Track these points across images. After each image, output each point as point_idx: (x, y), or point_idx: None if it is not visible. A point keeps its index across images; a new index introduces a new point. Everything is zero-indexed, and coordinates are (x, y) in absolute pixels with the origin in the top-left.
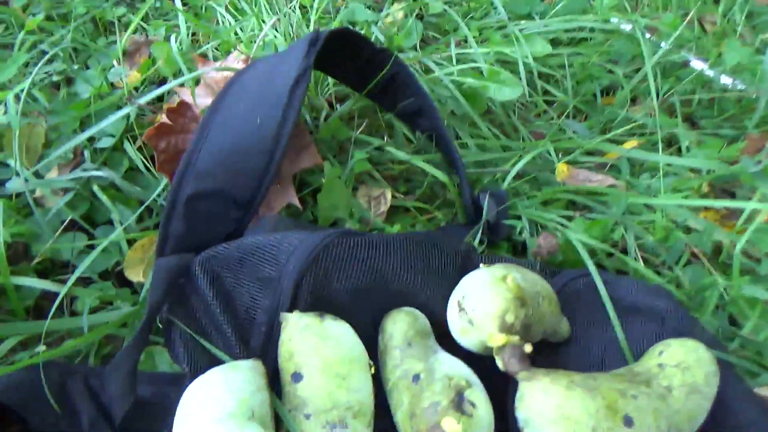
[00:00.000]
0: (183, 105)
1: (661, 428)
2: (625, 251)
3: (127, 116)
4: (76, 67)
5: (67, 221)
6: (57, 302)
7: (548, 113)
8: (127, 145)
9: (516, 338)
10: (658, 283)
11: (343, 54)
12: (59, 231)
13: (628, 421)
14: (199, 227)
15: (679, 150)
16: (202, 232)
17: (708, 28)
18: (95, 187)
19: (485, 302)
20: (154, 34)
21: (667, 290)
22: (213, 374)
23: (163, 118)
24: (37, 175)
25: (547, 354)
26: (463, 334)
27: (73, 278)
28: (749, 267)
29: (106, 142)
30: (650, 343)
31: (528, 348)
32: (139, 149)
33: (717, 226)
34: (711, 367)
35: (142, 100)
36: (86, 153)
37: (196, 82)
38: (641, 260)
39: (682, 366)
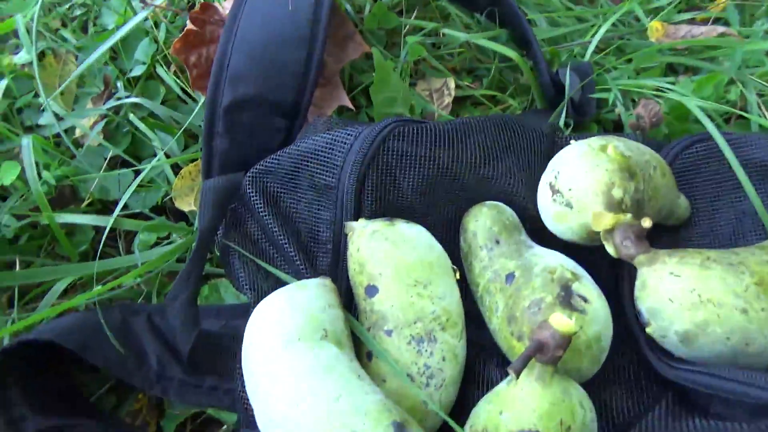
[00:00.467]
0: (207, 8)
1: None
2: (745, 112)
3: (156, 40)
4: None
5: (109, 157)
6: (104, 236)
7: None
8: (160, 70)
9: (628, 216)
10: None
11: None
12: (103, 168)
13: None
14: (244, 141)
15: None
16: (247, 146)
17: None
18: (132, 116)
19: (584, 177)
20: None
21: None
22: (277, 295)
23: (187, 24)
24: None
25: (666, 240)
26: (560, 221)
27: (118, 208)
28: None
29: (138, 70)
30: None
31: (646, 223)
32: (175, 74)
33: None
34: None
35: (158, 1)
36: (119, 84)
37: None
38: None
39: None
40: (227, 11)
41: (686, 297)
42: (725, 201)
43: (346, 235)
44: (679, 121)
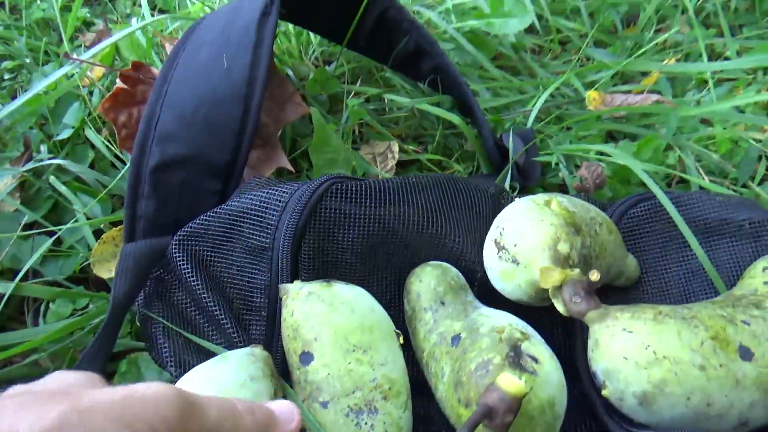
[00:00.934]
0: (139, 66)
1: None
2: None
3: (86, 105)
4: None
5: (24, 223)
6: (2, 302)
7: (566, 53)
8: (89, 132)
9: (576, 272)
10: (739, 195)
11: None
12: (13, 237)
13: (745, 353)
14: (172, 204)
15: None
16: (176, 209)
17: None
18: (51, 179)
19: (530, 232)
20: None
21: (751, 200)
22: (195, 371)
23: (118, 82)
24: None
25: (616, 301)
26: (507, 279)
27: (21, 272)
28: None
29: (66, 133)
30: (745, 264)
31: (594, 276)
32: (111, 136)
33: None
34: None
35: (85, 56)
36: (43, 147)
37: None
38: (707, 181)
39: None
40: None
41: (641, 354)
42: (673, 260)
43: (281, 299)
44: (622, 184)
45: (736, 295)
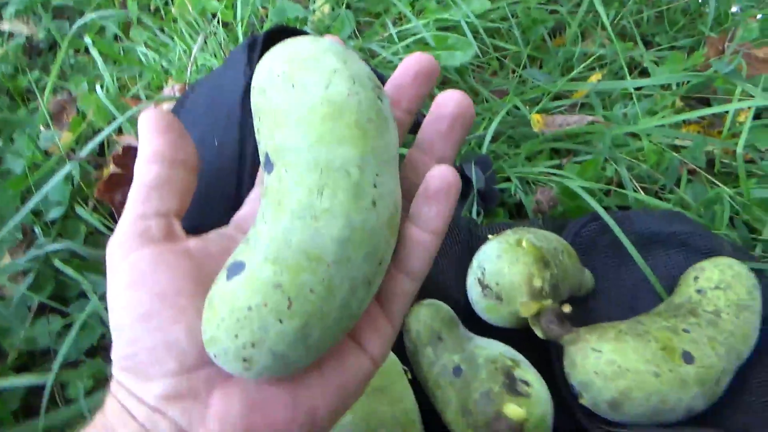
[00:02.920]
0: (129, 150)
1: (720, 354)
2: (621, 185)
3: (72, 179)
4: (0, 144)
5: (35, 307)
6: (47, 392)
7: (505, 68)
8: (79, 210)
9: (549, 302)
10: (668, 209)
11: None
12: (29, 319)
13: (687, 358)
14: None
15: (642, 72)
16: None
17: None
18: (56, 262)
19: (508, 273)
20: (76, 90)
21: (678, 212)
22: None
23: (111, 168)
24: None
25: (577, 310)
26: (492, 312)
27: (57, 364)
28: (747, 170)
29: (56, 213)
30: (679, 271)
31: (566, 308)
32: (95, 210)
33: (706, 137)
34: (750, 280)
35: (83, 153)
36: (36, 229)
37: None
38: (640, 190)
39: (723, 285)
40: None
41: (609, 369)
42: (621, 270)
43: None
44: (570, 199)
45: (676, 304)
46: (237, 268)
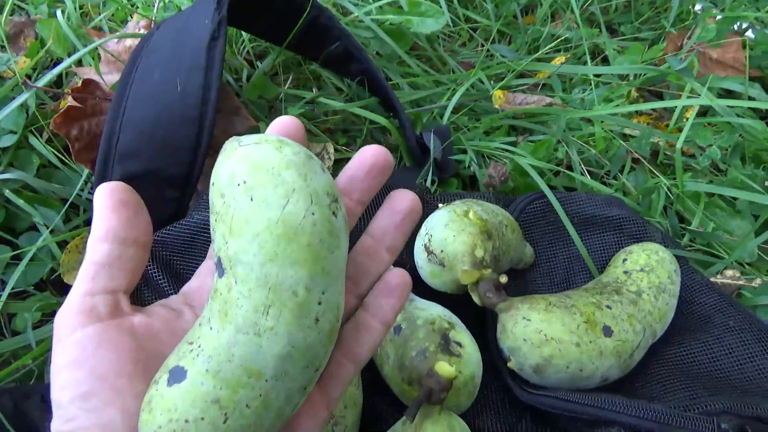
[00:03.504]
0: (89, 83)
1: (636, 330)
2: (570, 167)
3: (26, 108)
4: None
5: None
6: None
7: (474, 41)
8: (33, 140)
9: (488, 271)
10: (609, 194)
11: (255, 4)
12: None
13: (607, 331)
14: None
15: (605, 59)
16: None
17: None
18: (7, 192)
19: (452, 241)
20: (35, 12)
21: (618, 198)
22: None
23: (69, 101)
24: None
25: (516, 280)
26: (435, 277)
27: (5, 294)
28: (686, 164)
29: (7, 140)
30: (611, 252)
31: (503, 279)
32: (48, 142)
33: (652, 128)
34: (672, 266)
35: (40, 83)
36: None
37: (97, 57)
38: (587, 174)
39: (647, 269)
40: (109, 85)
41: (536, 337)
42: (560, 247)
43: None
44: (521, 176)
45: (603, 282)
46: (178, 375)
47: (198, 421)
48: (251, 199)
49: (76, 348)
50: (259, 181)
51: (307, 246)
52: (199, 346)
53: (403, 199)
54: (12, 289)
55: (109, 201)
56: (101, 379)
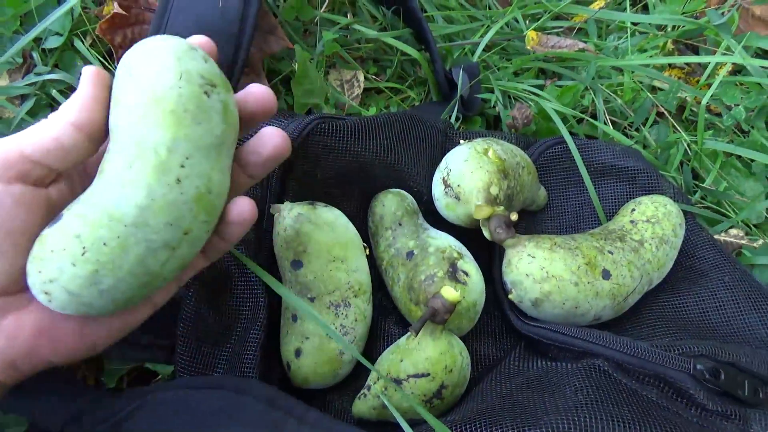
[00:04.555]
0: None
1: (634, 276)
2: (594, 116)
3: (71, 11)
4: None
5: None
6: None
7: None
8: (78, 43)
9: (501, 209)
10: (627, 145)
11: None
12: None
13: (605, 274)
14: None
15: (645, 8)
16: None
17: None
18: (54, 92)
19: (470, 177)
20: None
21: (636, 150)
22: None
23: (114, 8)
24: None
25: (527, 221)
26: (450, 210)
27: None
28: (710, 122)
29: (54, 42)
30: (622, 202)
31: (514, 216)
32: (92, 46)
33: (681, 83)
34: (678, 219)
35: None
36: (35, 55)
37: None
38: (610, 123)
39: (653, 220)
40: None
41: (538, 273)
42: (572, 192)
43: (272, 215)
44: (545, 120)
45: (609, 229)
46: (57, 218)
47: (60, 251)
48: (130, 75)
49: None
50: (138, 61)
51: (171, 112)
52: (80, 198)
53: (268, 143)
54: None
55: (97, 91)
56: (8, 234)
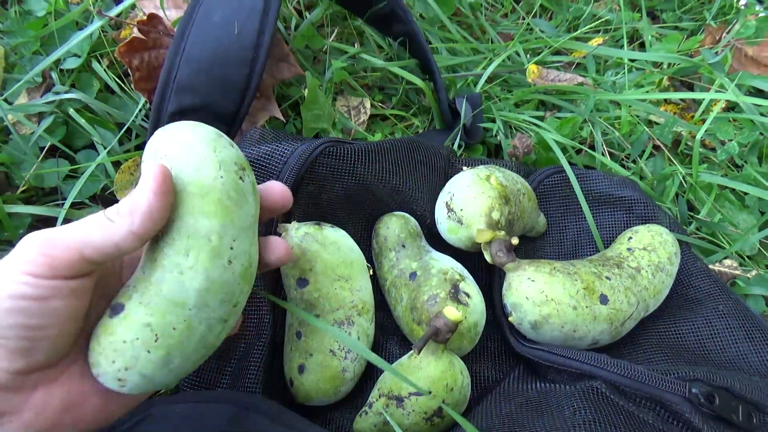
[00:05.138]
0: (153, 18)
1: (631, 302)
2: (593, 147)
3: (91, 34)
4: None
5: (46, 147)
6: (59, 222)
7: (515, 12)
8: (95, 65)
9: (502, 233)
10: (625, 175)
11: None
12: (40, 158)
13: (603, 299)
14: None
15: (642, 45)
16: None
17: None
18: (71, 111)
19: (472, 202)
20: None
21: (633, 181)
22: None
23: (134, 32)
24: (5, 100)
25: (527, 247)
26: (452, 233)
27: (68, 202)
28: (705, 156)
29: (72, 63)
30: (619, 230)
31: (514, 241)
32: (108, 67)
33: (677, 118)
34: (673, 248)
35: (112, 12)
36: (54, 75)
37: None
38: (608, 155)
39: (649, 248)
40: (170, 21)
41: (537, 296)
42: (571, 220)
43: (279, 233)
44: (544, 150)
45: (607, 256)
46: (118, 308)
47: (132, 341)
48: (170, 169)
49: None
50: (176, 154)
51: (218, 201)
52: (134, 287)
53: (276, 252)
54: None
55: (164, 202)
56: (60, 320)
